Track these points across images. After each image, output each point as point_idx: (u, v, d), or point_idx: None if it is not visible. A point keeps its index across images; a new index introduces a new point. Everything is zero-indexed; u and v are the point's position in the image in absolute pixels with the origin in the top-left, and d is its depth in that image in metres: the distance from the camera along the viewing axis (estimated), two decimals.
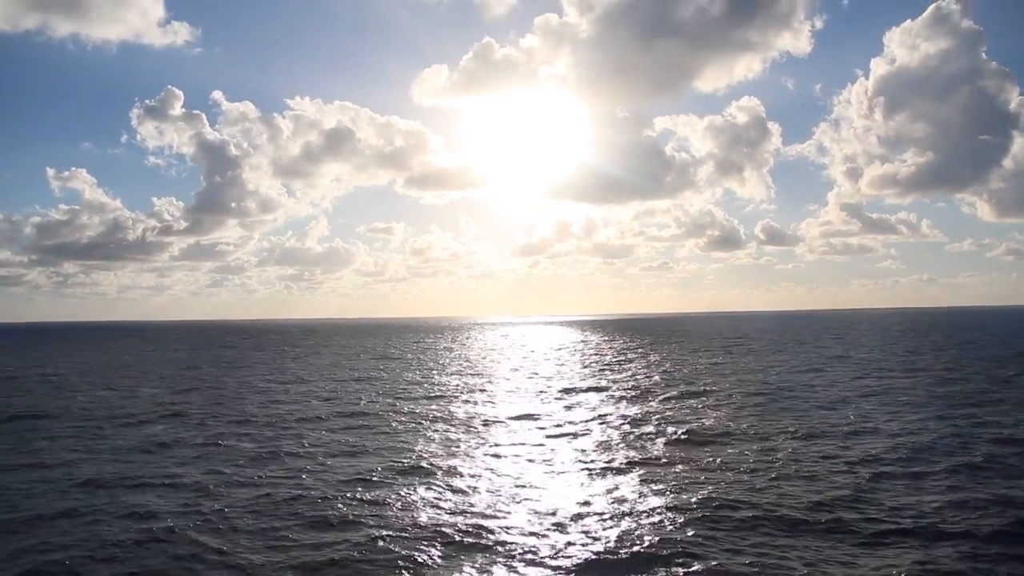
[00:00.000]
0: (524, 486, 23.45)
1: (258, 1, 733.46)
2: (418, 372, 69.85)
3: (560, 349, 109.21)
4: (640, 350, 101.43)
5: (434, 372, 69.50)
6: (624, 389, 50.69)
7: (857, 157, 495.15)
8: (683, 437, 31.67)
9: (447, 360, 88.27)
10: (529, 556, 17.16)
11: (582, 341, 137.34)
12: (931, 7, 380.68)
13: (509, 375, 64.70)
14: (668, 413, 39.08)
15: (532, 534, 18.64)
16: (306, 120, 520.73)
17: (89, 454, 29.90)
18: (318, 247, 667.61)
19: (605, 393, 48.58)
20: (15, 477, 25.86)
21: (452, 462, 27.33)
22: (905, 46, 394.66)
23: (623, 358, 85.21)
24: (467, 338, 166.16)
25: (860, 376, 56.12)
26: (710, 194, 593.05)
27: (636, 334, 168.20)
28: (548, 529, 18.96)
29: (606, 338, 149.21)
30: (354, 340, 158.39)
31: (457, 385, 56.08)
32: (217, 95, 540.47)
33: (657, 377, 59.25)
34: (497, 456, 28.45)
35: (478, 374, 66.38)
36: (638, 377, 59.77)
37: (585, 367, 72.48)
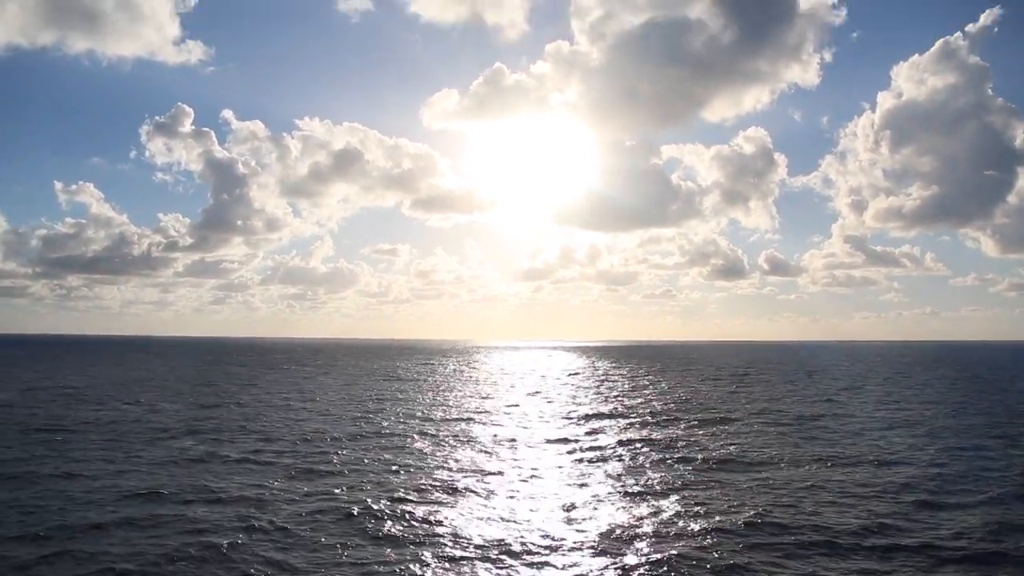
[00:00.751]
0: (566, 508, 23.79)
1: (272, 22, 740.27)
2: (434, 394, 70.13)
3: (572, 375, 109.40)
4: (650, 377, 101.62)
5: (450, 394, 69.78)
6: (644, 415, 50.98)
7: (862, 189, 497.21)
8: (713, 463, 32.01)
9: (461, 383, 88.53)
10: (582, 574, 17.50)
11: (591, 367, 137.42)
12: (939, 42, 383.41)
13: (526, 399, 64.95)
14: (693, 439, 39.40)
15: (580, 554, 18.98)
16: (315, 140, 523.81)
17: (130, 466, 30.27)
18: (322, 267, 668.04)
19: (625, 419, 48.84)
20: (61, 487, 26.22)
21: (488, 482, 27.68)
22: (912, 80, 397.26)
23: (635, 385, 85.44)
24: (475, 361, 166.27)
25: (877, 407, 56.37)
26: (715, 223, 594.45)
27: (642, 361, 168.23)
28: (596, 551, 19.29)
29: (614, 365, 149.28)
30: (361, 361, 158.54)
31: (477, 407, 56.39)
32: (227, 114, 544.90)
33: (673, 404, 59.51)
34: (533, 478, 28.76)
35: (495, 398, 66.64)
36: (655, 403, 60.03)
37: (600, 393, 72.73)
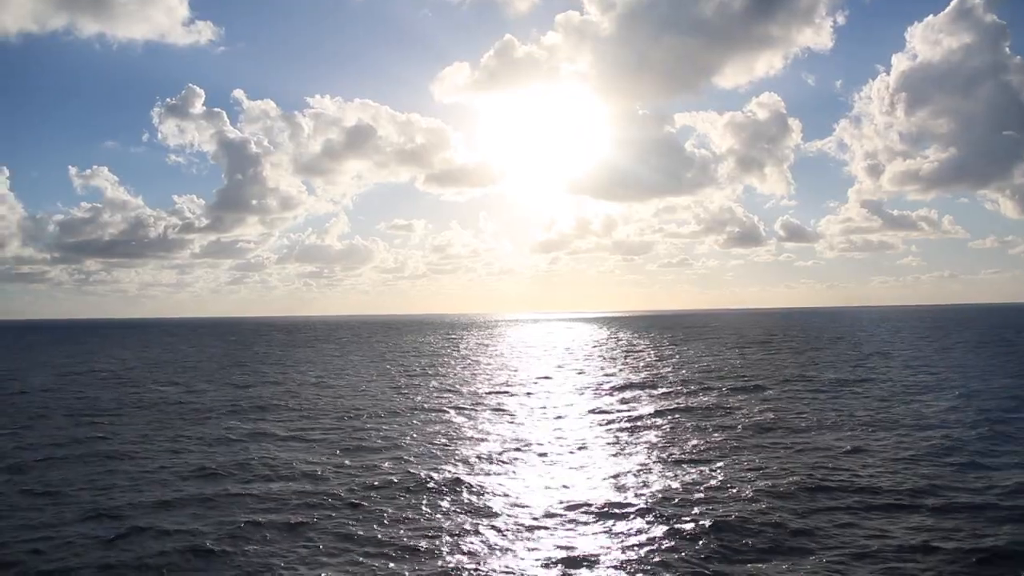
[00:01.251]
0: (616, 476, 24.22)
1: (280, 0, 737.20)
2: (463, 368, 70.81)
3: (597, 346, 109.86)
4: (675, 346, 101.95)
5: (479, 368, 70.43)
6: (675, 384, 51.32)
7: (878, 153, 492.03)
8: (754, 429, 32.38)
9: (488, 356, 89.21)
10: (650, 540, 17.93)
11: (613, 338, 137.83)
12: (954, 1, 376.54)
13: (556, 371, 65.46)
14: (729, 406, 39.72)
15: (639, 520, 19.42)
16: (327, 118, 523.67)
17: (183, 446, 30.99)
18: (338, 244, 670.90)
19: (659, 389, 49.18)
20: (123, 467, 26.94)
21: (536, 454, 28.17)
22: (927, 41, 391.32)
23: (662, 354, 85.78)
24: (497, 335, 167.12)
25: (908, 371, 56.45)
26: (730, 191, 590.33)
27: (664, 330, 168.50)
28: (654, 517, 19.70)
29: (636, 335, 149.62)
30: (384, 337, 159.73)
31: (508, 380, 56.97)
32: (238, 93, 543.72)
33: (703, 373, 59.81)
34: (579, 449, 29.20)
35: (524, 370, 67.19)
36: (684, 372, 60.35)
37: (628, 363, 73.13)
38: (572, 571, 16.11)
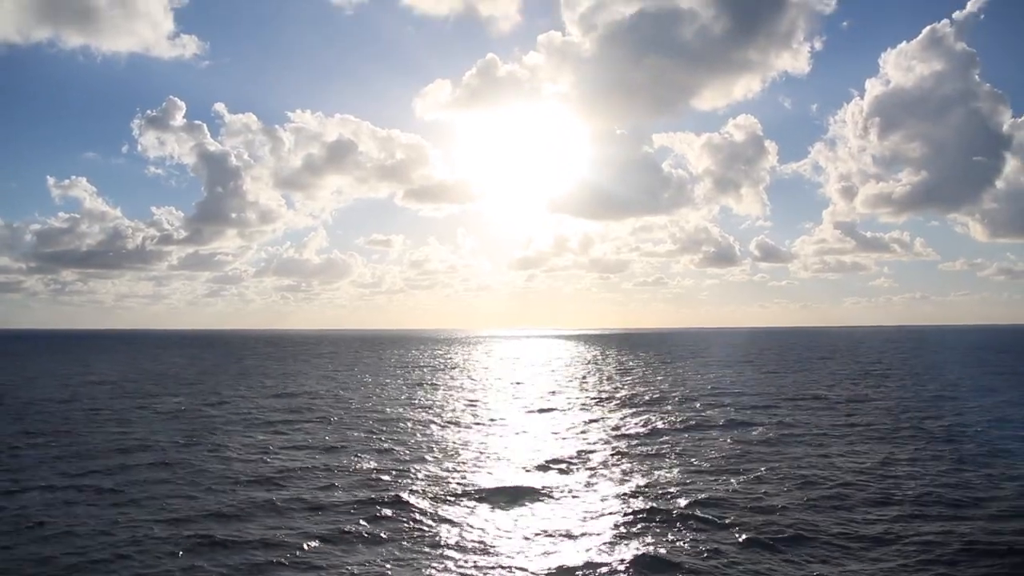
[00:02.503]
0: (673, 483, 25.16)
1: (267, 15, 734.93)
2: (469, 379, 71.47)
3: (588, 363, 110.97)
4: (670, 364, 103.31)
5: (482, 382, 71.12)
6: (698, 401, 52.41)
7: (852, 176, 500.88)
8: (788, 441, 33.45)
9: (486, 371, 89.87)
10: (684, 539, 18.88)
11: (601, 356, 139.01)
12: (926, 29, 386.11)
13: (564, 387, 66.33)
14: (763, 418, 40.79)
15: (685, 524, 20.38)
16: (308, 132, 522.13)
17: (239, 455, 31.45)
18: (316, 258, 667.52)
19: (668, 403, 50.23)
20: (186, 473, 27.39)
21: (603, 458, 29.05)
22: (900, 68, 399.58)
23: (662, 373, 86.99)
24: (485, 351, 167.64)
25: (908, 388, 58.11)
26: (706, 211, 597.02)
27: (650, 349, 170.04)
28: (696, 518, 20.67)
29: (624, 353, 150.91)
30: (371, 351, 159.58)
31: (517, 394, 57.77)
32: (220, 107, 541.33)
33: (710, 387, 60.93)
34: (623, 455, 30.12)
35: (523, 384, 67.96)
36: (687, 388, 61.45)
37: (626, 379, 74.18)
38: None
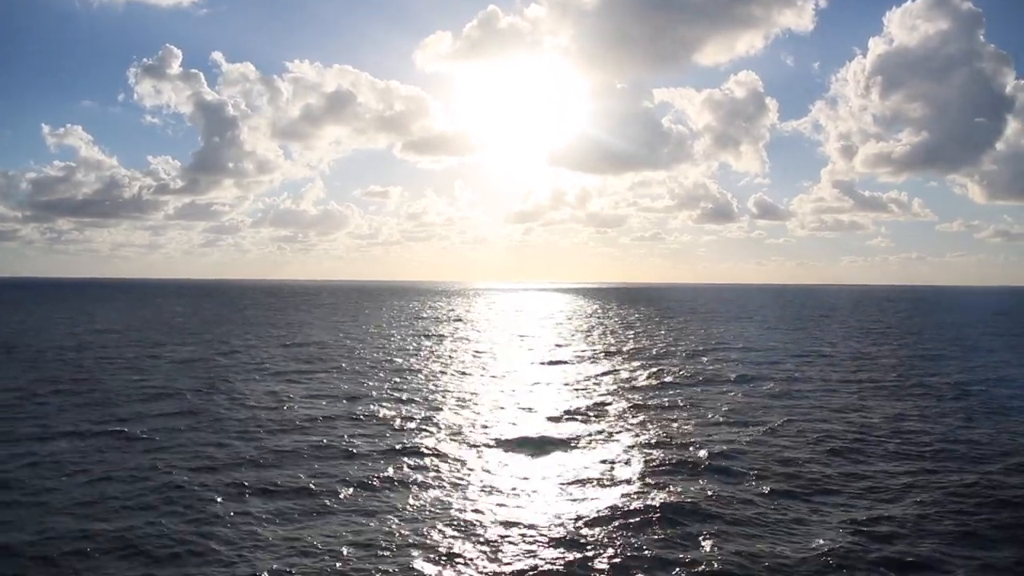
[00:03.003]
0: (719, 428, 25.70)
1: None
2: (474, 331, 71.97)
3: (590, 317, 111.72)
4: (672, 319, 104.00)
5: (488, 333, 71.64)
6: (704, 352, 52.99)
7: (852, 135, 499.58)
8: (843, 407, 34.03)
9: (489, 323, 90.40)
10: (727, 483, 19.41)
11: (601, 310, 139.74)
12: None
13: (569, 340, 66.89)
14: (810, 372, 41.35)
15: (708, 474, 20.90)
16: (306, 83, 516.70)
17: (277, 401, 31.87)
18: (313, 209, 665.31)
19: (675, 357, 50.83)
20: (233, 422, 27.82)
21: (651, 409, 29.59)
22: (905, 26, 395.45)
23: (664, 328, 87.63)
24: (486, 303, 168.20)
25: (919, 349, 58.82)
26: (705, 167, 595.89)
27: (647, 304, 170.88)
28: (719, 468, 21.19)
29: (624, 308, 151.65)
30: (372, 302, 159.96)
31: (525, 347, 58.30)
32: (217, 56, 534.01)
33: (714, 342, 61.52)
34: (638, 407, 30.65)
35: (529, 336, 68.47)
36: (692, 343, 62.04)
37: (630, 333, 74.79)
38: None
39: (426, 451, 23.56)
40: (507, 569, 14.65)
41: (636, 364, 47.37)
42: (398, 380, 39.14)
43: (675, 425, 27.96)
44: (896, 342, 65.03)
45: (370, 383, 37.91)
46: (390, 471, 21.21)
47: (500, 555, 15.29)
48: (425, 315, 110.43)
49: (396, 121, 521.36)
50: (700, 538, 16.22)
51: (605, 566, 14.83)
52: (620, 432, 26.69)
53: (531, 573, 14.50)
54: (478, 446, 24.38)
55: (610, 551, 15.50)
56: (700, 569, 14.68)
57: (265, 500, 18.60)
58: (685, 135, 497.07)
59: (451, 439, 25.23)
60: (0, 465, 21.30)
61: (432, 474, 21.12)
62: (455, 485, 20.10)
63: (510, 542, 15.93)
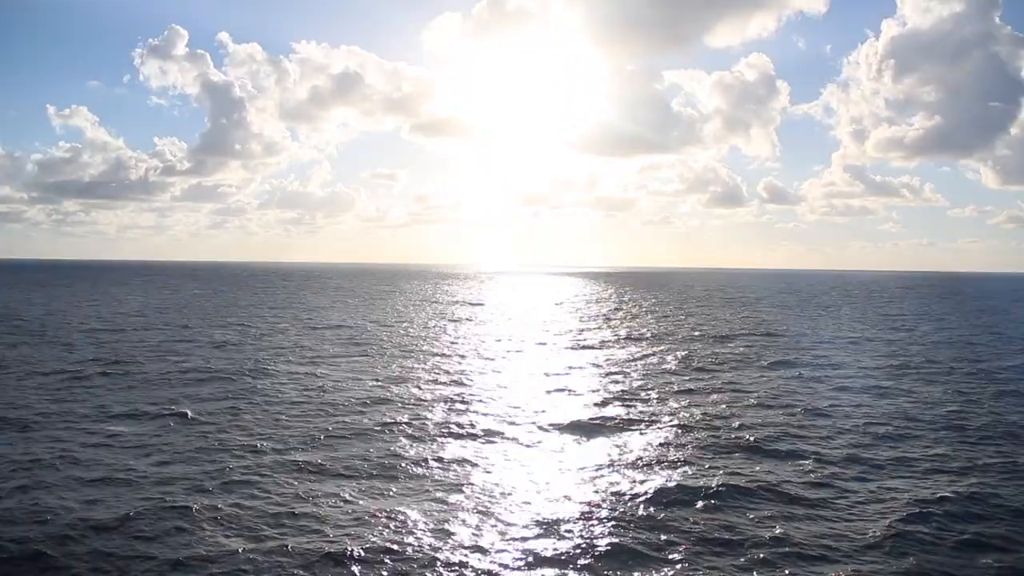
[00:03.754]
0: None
1: None
2: (505, 317, 72.30)
3: (606, 301, 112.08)
4: (690, 303, 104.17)
5: (521, 319, 71.96)
6: (733, 336, 53.20)
7: (864, 119, 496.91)
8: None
9: (519, 308, 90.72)
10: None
11: (617, 294, 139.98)
12: None
13: (594, 325, 67.17)
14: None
15: (762, 456, 21.12)
16: (313, 64, 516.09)
17: (326, 382, 32.25)
18: (320, 191, 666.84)
19: (703, 341, 51.06)
20: (287, 405, 28.18)
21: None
22: (918, 8, 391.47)
23: (684, 312, 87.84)
24: (503, 287, 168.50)
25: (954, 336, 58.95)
26: (715, 150, 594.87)
27: (661, 289, 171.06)
28: (771, 451, 21.42)
29: (639, 292, 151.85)
30: (387, 285, 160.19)
31: (561, 331, 58.62)
32: (223, 36, 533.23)
33: (739, 326, 61.69)
34: (678, 391, 30.89)
35: (555, 320, 68.75)
36: (719, 327, 62.23)
37: (650, 317, 75.00)
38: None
39: (479, 433, 23.88)
40: (568, 546, 14.91)
41: (664, 348, 47.65)
42: (433, 364, 39.50)
43: (719, 408, 28.21)
44: (924, 328, 65.12)
45: (407, 366, 38.35)
46: (446, 451, 21.58)
47: (560, 534, 15.55)
48: (441, 299, 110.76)
49: (404, 103, 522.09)
50: (763, 518, 16.46)
51: (664, 545, 15.10)
52: (661, 415, 26.93)
53: (593, 551, 14.71)
54: (527, 429, 24.62)
55: (668, 530, 15.79)
56: (766, 551, 14.88)
57: (330, 479, 18.95)
58: (695, 118, 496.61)
59: (500, 422, 25.48)
60: (69, 445, 21.70)
61: (487, 453, 21.42)
62: (512, 464, 20.40)
63: (570, 521, 16.22)
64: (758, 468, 20.22)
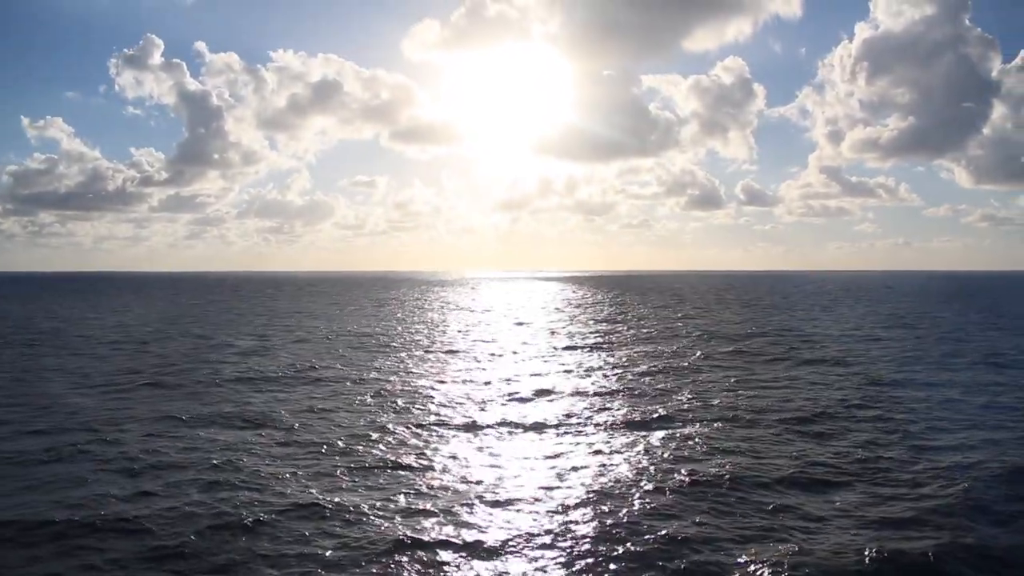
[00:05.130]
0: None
1: None
2: (501, 321, 73.39)
3: (597, 305, 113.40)
4: (683, 304, 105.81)
5: (514, 324, 73.05)
6: (745, 336, 54.67)
7: (839, 120, 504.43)
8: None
9: (510, 313, 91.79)
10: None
11: (606, 297, 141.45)
12: None
13: (595, 327, 68.42)
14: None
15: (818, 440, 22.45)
16: (291, 72, 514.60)
17: (372, 380, 33.19)
18: (299, 200, 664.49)
19: (714, 340, 52.46)
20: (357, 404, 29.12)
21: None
22: (890, 12, 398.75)
23: (681, 312, 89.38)
24: (490, 292, 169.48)
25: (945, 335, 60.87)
26: (693, 154, 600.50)
27: (647, 292, 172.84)
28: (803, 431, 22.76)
29: (626, 295, 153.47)
30: (378, 292, 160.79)
31: (560, 333, 59.80)
32: (200, 46, 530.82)
33: (743, 326, 63.21)
34: (700, 386, 32.20)
35: (552, 322, 69.97)
36: (727, 327, 63.72)
37: (643, 320, 76.41)
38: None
39: (527, 425, 24.95)
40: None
41: (685, 345, 48.88)
42: (459, 366, 40.52)
43: (746, 403, 29.37)
44: (917, 324, 67.09)
45: (457, 366, 39.33)
46: (498, 442, 22.64)
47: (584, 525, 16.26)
48: (433, 305, 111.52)
49: (382, 110, 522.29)
50: (815, 503, 17.74)
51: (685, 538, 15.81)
52: (692, 409, 28.16)
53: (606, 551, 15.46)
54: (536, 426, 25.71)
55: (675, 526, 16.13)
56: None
57: (399, 477, 19.95)
58: (672, 122, 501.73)
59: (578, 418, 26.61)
60: (158, 445, 22.52)
61: (504, 455, 22.52)
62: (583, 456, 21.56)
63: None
64: (804, 450, 21.52)
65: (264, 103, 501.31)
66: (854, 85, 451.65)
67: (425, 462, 21.03)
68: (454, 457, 21.61)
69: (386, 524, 16.28)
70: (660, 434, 24.21)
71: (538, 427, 25.37)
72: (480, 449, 22.58)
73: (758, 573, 13.89)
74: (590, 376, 36.99)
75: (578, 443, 23.22)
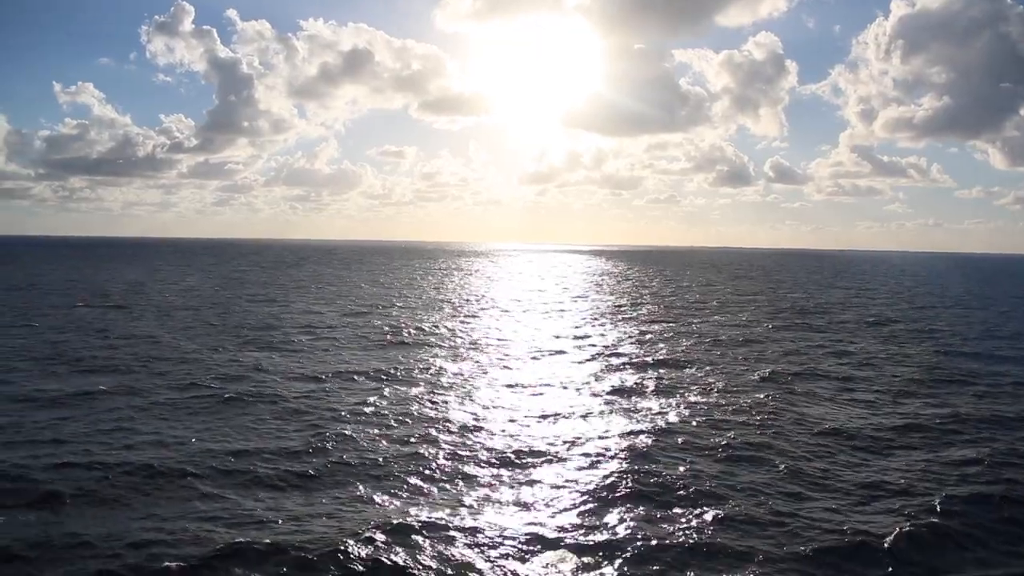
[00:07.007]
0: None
1: None
2: (541, 293, 75.36)
3: (630, 279, 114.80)
4: (721, 282, 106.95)
5: (557, 296, 74.95)
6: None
7: (872, 99, 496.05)
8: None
9: (553, 285, 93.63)
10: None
11: (641, 273, 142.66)
12: None
13: (639, 301, 70.19)
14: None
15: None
16: (321, 41, 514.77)
17: (437, 358, 35.46)
18: (327, 169, 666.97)
19: (757, 317, 54.06)
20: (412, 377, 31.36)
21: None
22: None
23: (721, 288, 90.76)
24: (521, 265, 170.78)
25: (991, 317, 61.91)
26: (723, 130, 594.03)
27: (680, 268, 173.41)
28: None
29: (660, 271, 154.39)
30: (411, 262, 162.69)
31: (600, 307, 61.66)
32: (231, 13, 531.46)
33: (788, 305, 64.58)
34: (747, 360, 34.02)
35: (591, 296, 71.73)
36: (766, 306, 65.12)
37: (687, 295, 77.93)
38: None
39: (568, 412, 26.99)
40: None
41: (720, 318, 50.47)
42: (512, 345, 42.61)
43: (798, 390, 31.21)
44: (963, 308, 68.25)
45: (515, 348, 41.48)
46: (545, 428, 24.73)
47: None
48: (470, 278, 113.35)
49: (413, 80, 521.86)
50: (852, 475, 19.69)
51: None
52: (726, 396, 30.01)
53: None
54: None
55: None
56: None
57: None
58: (703, 97, 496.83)
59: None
60: (305, 401, 25.02)
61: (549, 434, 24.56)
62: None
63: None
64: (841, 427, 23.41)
65: (295, 71, 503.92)
66: (888, 63, 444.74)
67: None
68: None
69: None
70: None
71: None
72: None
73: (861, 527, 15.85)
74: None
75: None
